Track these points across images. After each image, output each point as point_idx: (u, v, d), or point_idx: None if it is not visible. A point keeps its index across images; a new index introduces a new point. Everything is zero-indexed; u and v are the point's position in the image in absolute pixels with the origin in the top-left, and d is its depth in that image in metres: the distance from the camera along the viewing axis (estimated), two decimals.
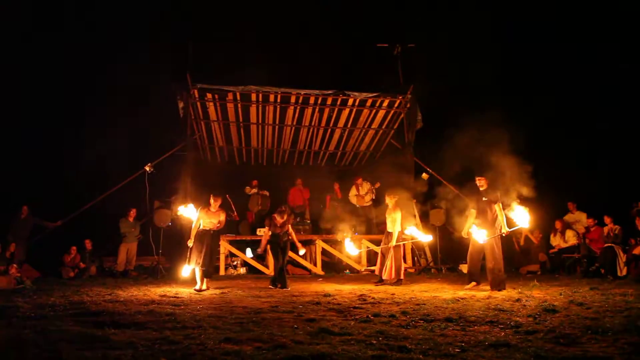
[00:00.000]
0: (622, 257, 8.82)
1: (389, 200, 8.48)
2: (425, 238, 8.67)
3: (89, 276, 9.78)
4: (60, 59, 12.81)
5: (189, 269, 7.36)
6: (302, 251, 8.13)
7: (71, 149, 12.24)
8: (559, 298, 5.68)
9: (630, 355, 2.96)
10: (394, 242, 8.24)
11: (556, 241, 10.37)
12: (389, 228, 8.41)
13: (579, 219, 10.44)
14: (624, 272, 8.70)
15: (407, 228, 8.51)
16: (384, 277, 8.27)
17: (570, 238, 10.14)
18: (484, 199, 7.13)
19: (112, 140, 12.63)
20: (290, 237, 8.04)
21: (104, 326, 3.91)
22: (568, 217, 10.65)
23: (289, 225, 8.09)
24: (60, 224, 10.32)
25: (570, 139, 13.28)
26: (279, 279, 7.69)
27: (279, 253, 7.91)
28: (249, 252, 9.22)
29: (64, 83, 12.77)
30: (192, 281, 7.67)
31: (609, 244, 9.10)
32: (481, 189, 7.25)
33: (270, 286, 7.66)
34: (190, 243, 7.33)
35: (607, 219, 9.53)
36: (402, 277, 8.20)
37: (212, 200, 7.44)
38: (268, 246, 8.14)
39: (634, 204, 9.43)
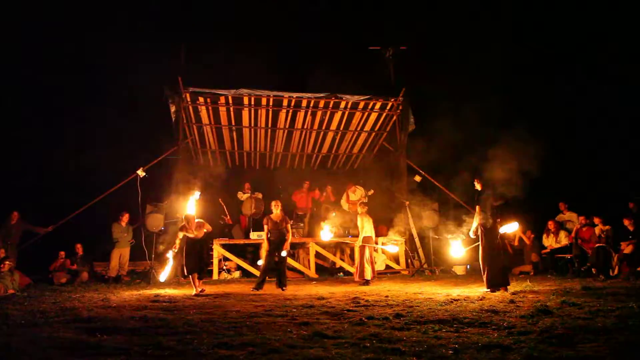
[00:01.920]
0: (613, 257, 8.90)
1: (360, 209, 9.16)
2: (392, 249, 9.78)
3: (81, 282, 9.68)
4: (51, 63, 12.72)
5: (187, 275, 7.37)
6: (284, 252, 8.10)
7: (62, 153, 12.15)
8: (551, 299, 5.71)
9: (623, 355, 2.98)
10: (358, 243, 8.91)
11: (548, 242, 10.44)
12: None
13: (570, 219, 10.52)
14: (615, 271, 8.77)
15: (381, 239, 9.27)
16: (355, 278, 8.92)
17: (563, 238, 10.21)
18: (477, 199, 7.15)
19: (104, 144, 12.58)
20: (286, 237, 8.09)
21: (95, 332, 3.87)
22: (559, 218, 10.72)
23: (288, 225, 8.12)
24: (51, 229, 10.22)
25: (562, 140, 13.40)
26: (277, 279, 7.86)
27: (273, 253, 7.96)
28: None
29: (57, 86, 12.68)
30: (185, 286, 7.65)
31: (600, 244, 9.18)
32: (478, 186, 7.27)
33: (253, 290, 7.66)
34: (173, 251, 7.36)
35: (596, 220, 9.62)
36: (367, 277, 8.66)
37: (185, 222, 7.45)
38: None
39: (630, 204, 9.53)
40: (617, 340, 3.34)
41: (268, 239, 8.11)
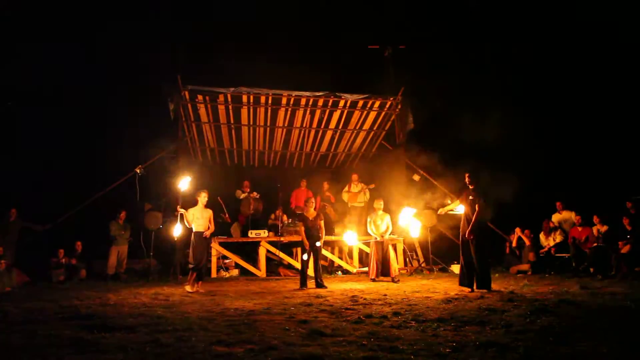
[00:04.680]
0: (611, 256, 8.91)
1: (377, 204, 9.41)
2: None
3: (79, 280, 9.67)
4: (48, 59, 12.68)
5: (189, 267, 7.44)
6: (318, 243, 8.13)
7: (60, 151, 12.14)
8: (549, 298, 5.72)
9: (619, 353, 2.99)
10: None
11: (545, 241, 10.46)
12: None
13: (567, 218, 10.54)
14: (613, 271, 8.79)
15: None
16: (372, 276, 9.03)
17: (558, 237, 10.24)
18: (470, 197, 7.12)
19: (102, 141, 12.56)
20: (320, 233, 8.13)
21: (94, 330, 3.88)
22: (556, 216, 10.74)
23: (321, 221, 8.20)
24: (49, 227, 10.21)
25: (561, 139, 13.44)
26: (315, 278, 7.95)
27: (309, 251, 8.03)
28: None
29: (56, 83, 12.65)
30: (184, 284, 7.64)
31: (598, 244, 9.21)
32: (470, 186, 7.25)
33: (302, 287, 7.72)
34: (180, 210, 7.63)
35: (595, 219, 9.66)
36: (394, 274, 8.85)
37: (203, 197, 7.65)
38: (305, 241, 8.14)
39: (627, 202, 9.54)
40: (615, 339, 3.35)
41: (307, 238, 8.09)
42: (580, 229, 9.85)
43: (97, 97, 12.93)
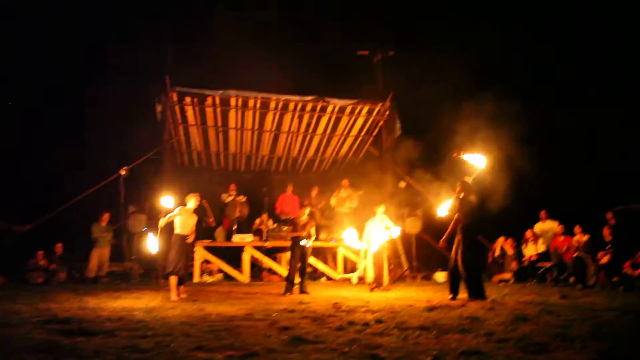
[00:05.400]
0: (590, 267, 9.04)
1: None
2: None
3: (58, 282, 9.51)
4: (30, 57, 12.52)
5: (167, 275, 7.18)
6: (304, 241, 8.05)
7: (43, 150, 11.97)
8: (530, 307, 5.77)
9: None
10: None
11: (527, 251, 10.58)
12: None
13: (550, 227, 10.66)
14: (593, 281, 8.91)
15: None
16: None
17: (540, 247, 10.37)
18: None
19: (86, 142, 12.41)
20: (309, 239, 8.06)
21: (71, 334, 3.80)
22: (539, 226, 10.85)
23: (311, 228, 8.14)
24: (29, 227, 10.02)
25: (545, 148, 13.61)
26: (299, 284, 7.88)
27: (298, 258, 7.93)
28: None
29: (39, 83, 12.49)
30: (165, 288, 7.54)
31: (579, 254, 9.33)
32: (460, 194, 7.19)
33: (285, 293, 7.64)
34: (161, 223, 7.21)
35: (577, 229, 9.79)
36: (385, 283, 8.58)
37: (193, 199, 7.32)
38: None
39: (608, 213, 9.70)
40: (592, 349, 3.39)
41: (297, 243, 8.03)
42: (561, 238, 9.99)
43: (76, 95, 12.76)
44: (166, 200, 7.57)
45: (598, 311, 5.31)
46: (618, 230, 9.24)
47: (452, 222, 6.95)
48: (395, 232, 9.04)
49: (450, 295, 6.82)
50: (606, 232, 9.25)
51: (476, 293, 6.64)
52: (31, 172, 11.61)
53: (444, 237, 7.08)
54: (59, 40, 12.69)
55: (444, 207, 7.37)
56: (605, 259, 8.89)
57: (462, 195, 6.97)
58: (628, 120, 12.74)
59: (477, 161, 7.17)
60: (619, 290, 7.96)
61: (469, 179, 7.09)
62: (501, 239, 10.81)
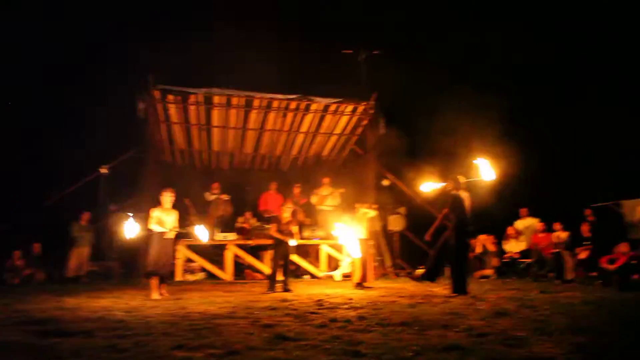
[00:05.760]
0: (569, 262, 9.21)
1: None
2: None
3: (37, 283, 9.33)
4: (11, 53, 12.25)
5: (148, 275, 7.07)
6: (292, 241, 8.07)
7: (22, 149, 11.72)
8: (510, 302, 5.86)
9: (573, 355, 3.08)
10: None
11: (508, 247, 10.72)
12: None
13: (531, 224, 10.83)
14: (571, 276, 9.09)
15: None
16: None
17: (521, 243, 10.53)
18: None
19: (66, 140, 12.19)
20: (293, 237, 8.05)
21: (48, 335, 3.72)
22: (519, 223, 11.01)
23: (294, 226, 8.14)
24: (5, 227, 9.80)
25: (525, 146, 13.81)
26: (282, 281, 7.85)
27: (281, 255, 7.92)
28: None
29: (18, 80, 12.21)
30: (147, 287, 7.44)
31: (558, 250, 9.50)
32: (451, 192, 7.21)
33: (268, 291, 7.61)
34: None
35: (556, 226, 9.96)
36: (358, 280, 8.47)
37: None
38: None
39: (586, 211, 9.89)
40: (570, 341, 3.45)
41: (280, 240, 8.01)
42: (541, 235, 10.15)
43: (57, 92, 12.53)
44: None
45: (576, 305, 5.41)
46: (596, 227, 9.44)
47: (439, 217, 7.00)
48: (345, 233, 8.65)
49: (429, 282, 6.90)
50: (585, 229, 9.43)
51: (460, 289, 6.71)
52: (8, 170, 11.34)
53: (430, 231, 7.12)
54: (38, 36, 12.45)
55: (428, 186, 7.47)
56: (583, 255, 9.07)
57: (452, 191, 7.01)
58: (609, 118, 13.00)
59: (485, 171, 7.23)
60: (596, 285, 8.14)
61: (462, 178, 7.14)
62: (482, 236, 10.95)
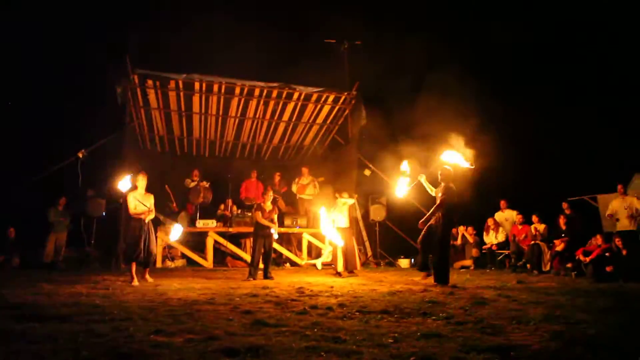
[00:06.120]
0: (546, 254, 9.42)
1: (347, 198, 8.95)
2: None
3: (12, 268, 9.13)
4: None
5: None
6: (274, 233, 8.13)
7: None
8: (488, 291, 5.95)
9: (548, 342, 3.15)
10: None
11: (488, 239, 10.89)
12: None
13: (510, 216, 11.01)
14: (548, 267, 9.31)
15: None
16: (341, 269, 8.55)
17: (500, 235, 10.70)
18: (439, 194, 7.16)
19: (42, 123, 11.88)
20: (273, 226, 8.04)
21: (23, 320, 3.64)
22: (498, 215, 11.19)
23: (275, 215, 8.11)
24: None
25: (506, 140, 13.98)
26: (264, 270, 7.87)
27: (262, 243, 7.88)
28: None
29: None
30: (127, 273, 7.35)
31: (536, 242, 9.70)
32: (441, 182, 7.22)
33: (249, 278, 7.57)
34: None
35: (534, 218, 10.15)
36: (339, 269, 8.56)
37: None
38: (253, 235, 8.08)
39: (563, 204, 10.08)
40: (545, 329, 3.52)
41: (260, 229, 7.98)
42: (520, 227, 10.33)
43: (34, 75, 12.17)
44: (123, 183, 7.25)
45: (552, 295, 5.53)
46: (572, 220, 9.65)
47: (434, 207, 7.05)
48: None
49: (424, 274, 6.96)
50: (562, 222, 9.63)
51: (442, 278, 6.82)
52: None
53: (423, 219, 7.16)
54: (19, 20, 12.05)
55: (401, 189, 7.57)
56: (560, 247, 9.26)
57: (443, 182, 7.11)
58: (588, 113, 13.24)
59: (457, 160, 7.29)
60: (571, 276, 8.33)
61: (449, 168, 7.20)
62: (462, 228, 11.11)
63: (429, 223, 7.06)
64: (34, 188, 10.05)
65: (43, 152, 10.78)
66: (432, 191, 7.38)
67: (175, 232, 7.41)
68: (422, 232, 7.16)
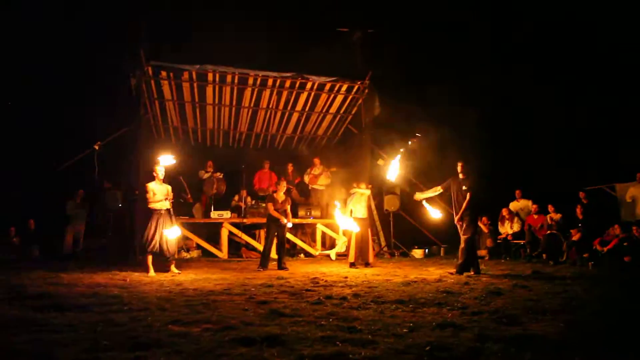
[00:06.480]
0: (562, 243, 9.31)
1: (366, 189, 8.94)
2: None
3: (32, 259, 9.32)
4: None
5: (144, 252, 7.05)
6: (289, 224, 8.15)
7: (17, 126, 11.53)
8: (504, 281, 5.92)
9: (565, 333, 3.12)
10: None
11: (503, 229, 10.79)
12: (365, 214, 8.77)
13: (525, 206, 10.89)
14: (564, 257, 9.20)
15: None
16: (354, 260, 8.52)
17: (515, 225, 10.60)
18: (463, 187, 7.12)
19: (60, 117, 12.01)
20: (287, 218, 8.08)
21: (44, 310, 3.73)
22: (514, 205, 11.07)
23: (288, 206, 8.15)
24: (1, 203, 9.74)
25: (521, 130, 13.82)
26: (278, 260, 7.97)
27: (274, 233, 7.97)
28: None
29: (14, 59, 11.94)
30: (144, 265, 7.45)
31: (551, 231, 9.59)
32: (460, 175, 7.26)
33: (259, 268, 7.71)
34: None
35: (550, 208, 10.03)
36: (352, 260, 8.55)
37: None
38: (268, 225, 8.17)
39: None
40: (562, 320, 3.50)
41: (273, 221, 8.04)
42: (535, 216, 10.22)
43: (50, 70, 12.27)
44: (166, 159, 7.36)
45: (568, 285, 5.48)
46: (589, 209, 9.51)
47: (466, 202, 7.05)
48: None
49: (473, 271, 6.96)
50: (578, 211, 9.50)
51: (463, 269, 6.92)
52: (3, 147, 11.20)
53: (458, 216, 7.17)
54: (32, 17, 12.15)
55: (392, 172, 7.78)
56: (576, 237, 9.14)
57: (465, 174, 7.22)
58: (606, 102, 12.98)
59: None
60: (588, 266, 8.23)
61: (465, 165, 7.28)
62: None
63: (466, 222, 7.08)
64: (53, 180, 10.22)
65: (64, 144, 10.91)
66: (436, 192, 7.44)
67: (172, 233, 7.42)
68: (467, 234, 7.10)
